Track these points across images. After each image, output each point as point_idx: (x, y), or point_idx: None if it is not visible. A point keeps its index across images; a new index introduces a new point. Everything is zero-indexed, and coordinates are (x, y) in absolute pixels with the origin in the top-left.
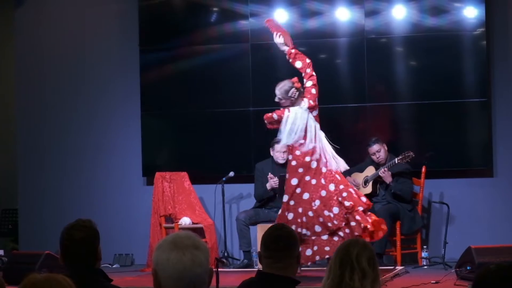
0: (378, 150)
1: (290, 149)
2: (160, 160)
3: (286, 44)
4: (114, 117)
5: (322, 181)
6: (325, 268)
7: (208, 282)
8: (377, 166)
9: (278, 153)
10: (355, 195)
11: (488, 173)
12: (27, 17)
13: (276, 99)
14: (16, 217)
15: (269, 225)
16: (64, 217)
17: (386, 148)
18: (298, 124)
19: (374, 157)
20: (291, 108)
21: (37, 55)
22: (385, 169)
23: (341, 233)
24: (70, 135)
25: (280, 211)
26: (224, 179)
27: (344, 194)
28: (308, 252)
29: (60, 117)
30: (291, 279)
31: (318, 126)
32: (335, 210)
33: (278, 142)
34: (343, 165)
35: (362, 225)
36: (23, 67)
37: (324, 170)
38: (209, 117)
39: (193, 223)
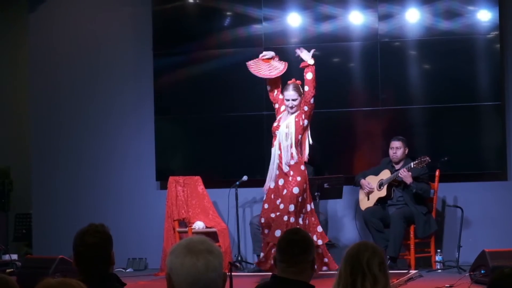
0: (398, 147)
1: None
2: (173, 165)
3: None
4: (127, 121)
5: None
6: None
7: (222, 287)
8: (392, 169)
9: None
10: None
11: (502, 177)
12: (40, 21)
13: (291, 103)
14: (30, 222)
15: None
16: (77, 221)
17: (406, 151)
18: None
19: (391, 152)
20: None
21: (51, 59)
22: (405, 169)
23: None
24: (84, 139)
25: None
26: (237, 183)
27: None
28: (277, 233)
29: (74, 122)
30: (306, 283)
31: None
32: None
33: None
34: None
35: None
36: (37, 71)
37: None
38: (223, 121)
39: (206, 227)
